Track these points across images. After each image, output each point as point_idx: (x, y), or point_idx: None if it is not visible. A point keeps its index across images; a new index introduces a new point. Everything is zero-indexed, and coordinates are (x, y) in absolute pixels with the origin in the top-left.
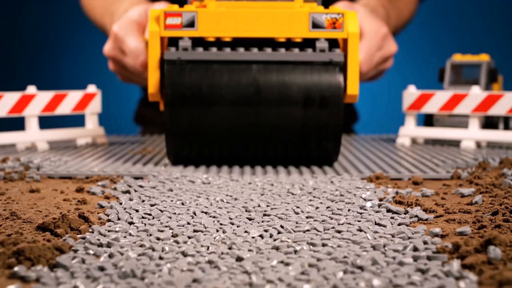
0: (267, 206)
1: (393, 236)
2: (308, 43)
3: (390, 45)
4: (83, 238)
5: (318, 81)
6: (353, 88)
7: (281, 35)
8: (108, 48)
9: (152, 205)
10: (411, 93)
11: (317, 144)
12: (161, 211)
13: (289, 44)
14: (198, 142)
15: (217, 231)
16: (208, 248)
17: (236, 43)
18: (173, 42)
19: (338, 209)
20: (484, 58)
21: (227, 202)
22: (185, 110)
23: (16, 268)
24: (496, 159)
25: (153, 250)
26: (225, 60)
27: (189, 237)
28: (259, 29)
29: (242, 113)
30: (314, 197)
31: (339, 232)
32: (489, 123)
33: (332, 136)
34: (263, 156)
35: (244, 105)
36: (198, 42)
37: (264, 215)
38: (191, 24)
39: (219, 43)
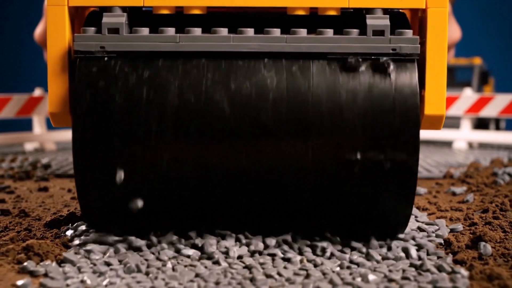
0: None
1: None
2: (351, 20)
3: (452, 30)
4: None
5: (369, 91)
6: (437, 103)
7: (300, 4)
8: (39, 31)
9: None
10: None
11: (367, 208)
12: None
13: (315, 21)
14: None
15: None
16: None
17: (214, 19)
18: (93, 18)
19: None
20: (476, 61)
21: None
22: (113, 148)
23: (25, 263)
24: (487, 159)
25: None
26: (193, 51)
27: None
28: None
29: (224, 153)
30: None
31: None
32: (481, 124)
33: (398, 195)
34: (263, 228)
35: (227, 139)
36: (140, 17)
37: None
38: None
39: (182, 20)
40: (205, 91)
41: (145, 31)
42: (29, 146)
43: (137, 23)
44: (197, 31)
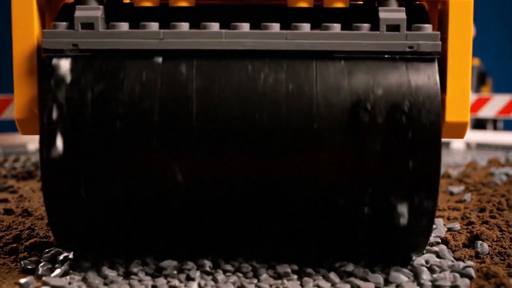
0: None
1: None
2: (362, 13)
3: None
4: None
5: (384, 96)
6: (460, 109)
7: None
8: None
9: None
10: None
11: (380, 228)
12: None
13: (320, 14)
14: (116, 228)
15: None
16: None
17: (204, 12)
18: (67, 11)
19: None
20: (474, 62)
21: None
22: (87, 160)
23: (28, 262)
24: (484, 159)
25: None
26: (179, 50)
27: None
28: None
29: (216, 166)
30: None
31: None
32: (479, 124)
33: (416, 212)
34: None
35: (219, 149)
36: (119, 10)
37: None
38: None
39: (167, 13)
40: (193, 95)
41: (124, 26)
42: (31, 146)
43: (115, 17)
44: (184, 26)
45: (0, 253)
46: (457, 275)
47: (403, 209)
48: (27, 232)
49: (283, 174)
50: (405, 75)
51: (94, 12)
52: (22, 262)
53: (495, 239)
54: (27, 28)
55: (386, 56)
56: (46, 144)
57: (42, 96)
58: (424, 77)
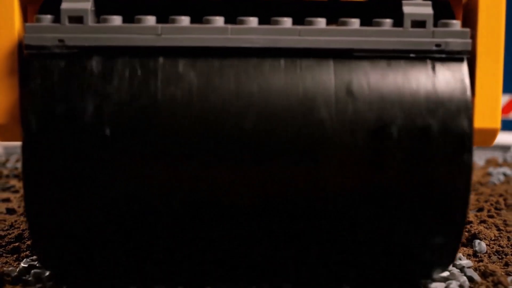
0: None
1: None
2: (383, 7)
3: None
4: None
5: (407, 98)
6: (490, 114)
7: None
8: None
9: None
10: None
11: (399, 247)
12: None
13: (336, 8)
14: (115, 229)
15: None
16: None
17: (207, 5)
18: (51, 3)
19: None
20: None
21: None
22: (75, 170)
23: (30, 261)
24: (482, 159)
25: None
26: (179, 47)
27: None
28: None
29: (220, 179)
30: None
31: None
32: None
33: (440, 232)
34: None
35: (222, 160)
36: (111, 2)
37: None
38: None
39: (165, 5)
40: (194, 98)
41: (117, 20)
42: None
43: (107, 10)
44: (185, 20)
45: (3, 252)
46: (455, 273)
47: (428, 227)
48: (29, 231)
49: (293, 188)
50: (431, 76)
51: (83, 4)
52: (24, 261)
53: (492, 238)
54: (7, 23)
55: (411, 55)
56: (31, 149)
57: (25, 99)
58: (452, 78)
